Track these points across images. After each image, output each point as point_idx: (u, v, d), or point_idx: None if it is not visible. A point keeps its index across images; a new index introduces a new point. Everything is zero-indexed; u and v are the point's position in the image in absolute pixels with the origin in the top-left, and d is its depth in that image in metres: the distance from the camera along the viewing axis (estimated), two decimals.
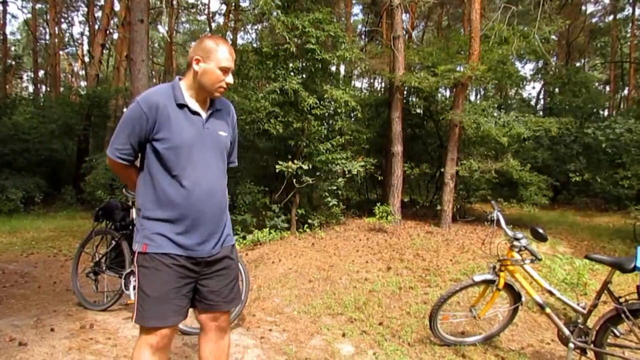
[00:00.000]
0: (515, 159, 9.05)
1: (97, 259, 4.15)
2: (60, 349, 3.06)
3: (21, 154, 12.92)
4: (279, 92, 7.40)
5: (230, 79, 1.98)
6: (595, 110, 16.38)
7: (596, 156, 12.25)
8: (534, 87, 29.66)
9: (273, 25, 7.78)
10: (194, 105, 1.97)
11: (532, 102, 20.68)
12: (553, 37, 16.31)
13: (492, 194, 10.07)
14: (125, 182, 2.15)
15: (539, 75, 22.17)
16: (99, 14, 20.61)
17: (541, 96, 21.41)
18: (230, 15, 19.43)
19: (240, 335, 3.51)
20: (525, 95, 21.74)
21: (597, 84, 23.26)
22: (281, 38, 7.75)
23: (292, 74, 7.63)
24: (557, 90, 17.47)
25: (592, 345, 2.82)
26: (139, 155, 2.00)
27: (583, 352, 2.90)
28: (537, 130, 9.17)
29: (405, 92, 9.95)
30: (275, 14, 7.62)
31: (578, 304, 2.97)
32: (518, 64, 19.32)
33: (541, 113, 17.27)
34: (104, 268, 4.09)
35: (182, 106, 1.93)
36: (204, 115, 2.00)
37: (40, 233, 8.63)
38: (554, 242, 7.34)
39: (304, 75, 8.39)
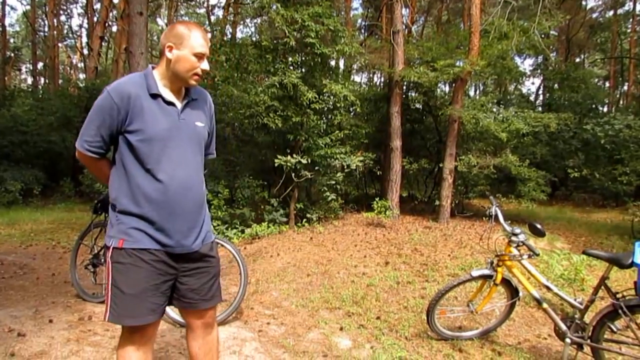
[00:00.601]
0: (514, 155, 9.06)
1: (96, 251, 4.15)
2: (58, 339, 3.07)
3: (20, 146, 12.86)
4: (278, 86, 7.38)
5: (205, 65, 1.89)
6: (594, 106, 16.38)
7: (595, 152, 12.25)
8: (533, 83, 29.54)
9: (272, 19, 7.74)
10: (168, 95, 1.88)
11: (532, 98, 20.68)
12: (553, 32, 16.30)
13: (491, 190, 10.08)
14: (96, 175, 2.01)
15: (539, 71, 22.15)
16: (97, 6, 20.51)
17: (540, 92, 21.41)
18: (230, 9, 19.35)
19: (238, 328, 3.53)
20: (524, 90, 21.75)
21: (596, 79, 23.23)
22: (281, 32, 7.71)
23: (291, 68, 7.61)
24: (556, 85, 17.45)
25: (589, 341, 2.84)
26: (111, 148, 1.91)
27: (580, 347, 2.92)
28: (536, 125, 9.17)
29: (404, 87, 9.93)
30: (274, 7, 7.59)
31: (575, 300, 2.98)
32: (517, 60, 19.24)
33: (540, 109, 17.26)
34: (103, 260, 4.09)
35: (155, 96, 1.84)
36: (179, 105, 1.91)
37: (39, 225, 8.62)
38: (551, 238, 7.35)
39: (303, 70, 8.36)
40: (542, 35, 9.11)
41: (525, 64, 24.59)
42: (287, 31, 7.30)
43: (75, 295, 4.18)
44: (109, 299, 1.81)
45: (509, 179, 9.89)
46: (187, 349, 2.11)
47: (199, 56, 1.86)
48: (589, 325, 2.86)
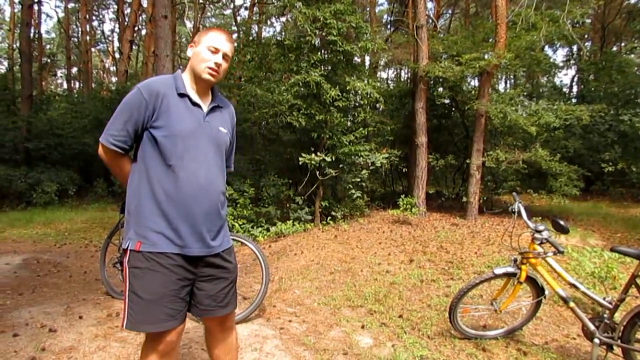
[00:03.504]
0: (545, 149, 8.79)
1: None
2: (87, 335, 3.18)
3: (55, 148, 13.39)
4: (301, 84, 7.40)
5: (218, 58, 1.90)
6: (633, 96, 15.69)
7: (633, 144, 11.77)
8: (566, 74, 28.59)
9: (295, 18, 7.77)
10: (195, 97, 1.92)
11: (565, 90, 19.99)
12: (587, 20, 15.70)
13: (521, 185, 9.83)
14: (116, 173, 1.98)
15: (573, 61, 21.40)
16: (128, 10, 21.03)
17: (575, 83, 20.68)
18: (255, 9, 19.51)
19: (260, 325, 3.56)
20: (557, 82, 21.04)
21: (635, 69, 22.25)
22: (305, 30, 7.74)
23: (314, 66, 7.62)
24: (591, 76, 16.81)
25: (619, 341, 2.73)
26: (133, 146, 1.90)
27: (609, 348, 2.81)
28: (567, 118, 8.86)
29: (430, 83, 9.79)
30: (297, 6, 7.61)
31: (604, 298, 2.87)
32: (549, 50, 18.64)
33: (574, 101, 16.67)
34: None
35: (182, 96, 1.87)
36: (204, 108, 1.94)
37: (73, 224, 8.94)
38: (585, 234, 7.12)
39: (326, 68, 8.36)
40: (575, 24, 8.79)
41: (558, 55, 23.79)
42: (309, 29, 7.31)
43: (104, 293, 4.32)
44: (127, 305, 1.77)
45: (540, 174, 9.60)
46: (207, 351, 2.12)
47: (213, 50, 1.89)
48: (619, 325, 2.75)
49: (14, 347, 2.92)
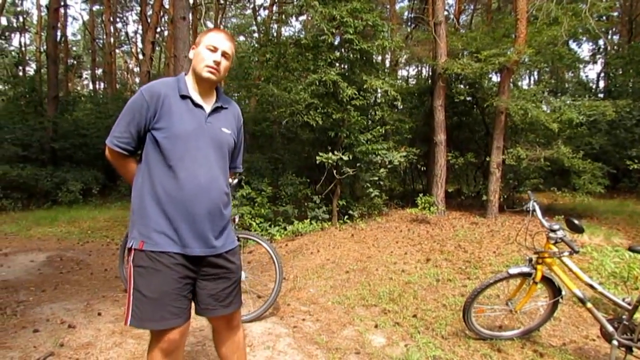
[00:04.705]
0: (567, 146, 8.58)
1: None
2: (104, 332, 3.27)
3: (80, 148, 13.73)
4: (318, 83, 7.40)
5: (216, 56, 1.92)
6: None
7: None
8: (591, 69, 27.81)
9: (312, 17, 7.78)
10: (198, 98, 1.95)
11: (592, 85, 19.46)
12: (614, 13, 15.24)
13: (544, 183, 9.63)
14: (123, 174, 2.05)
15: (599, 56, 20.81)
16: (150, 12, 21.37)
17: (601, 78, 20.11)
18: (274, 8, 19.58)
19: (273, 324, 3.59)
20: (583, 77, 20.50)
21: None
22: (321, 29, 7.74)
23: (331, 65, 7.61)
24: (619, 71, 16.32)
25: (638, 343, 2.67)
26: (139, 148, 1.95)
27: (629, 349, 2.75)
28: (591, 114, 8.63)
29: (449, 80, 9.67)
30: (314, 5, 7.61)
31: (623, 299, 2.80)
32: (574, 45, 18.15)
33: (601, 96, 16.22)
34: None
35: (184, 97, 1.90)
36: (207, 109, 1.96)
37: (96, 223, 9.15)
38: (609, 233, 6.94)
39: (344, 66, 8.34)
40: (601, 18, 8.55)
41: (584, 49, 23.15)
42: (326, 28, 7.31)
43: (123, 290, 4.42)
44: (131, 302, 1.81)
45: (563, 172, 9.37)
46: (215, 349, 2.16)
47: (212, 49, 1.92)
48: (638, 327, 2.69)
49: (33, 342, 3.02)
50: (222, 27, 26.23)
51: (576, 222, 2.86)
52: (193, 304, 1.98)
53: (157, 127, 1.85)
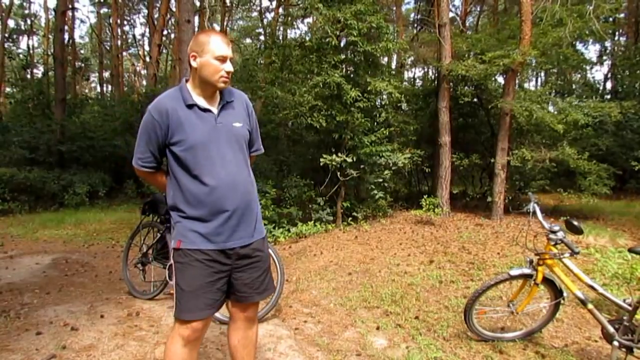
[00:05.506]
0: (573, 147, 8.55)
1: (144, 250, 4.38)
2: (107, 334, 3.29)
3: (87, 151, 13.79)
4: (321, 86, 7.42)
5: (228, 66, 1.97)
6: None
7: None
8: (598, 70, 27.65)
9: (317, 19, 7.81)
10: (203, 103, 1.99)
11: (599, 86, 19.34)
12: (620, 15, 15.15)
13: (551, 184, 9.59)
14: (155, 185, 2.24)
15: (606, 57, 20.69)
16: (157, 15, 21.53)
17: (608, 79, 19.98)
18: (280, 10, 19.66)
19: (275, 326, 3.60)
20: (590, 78, 20.39)
21: None
22: (325, 32, 7.76)
23: (335, 67, 7.63)
24: (626, 72, 16.22)
25: (639, 344, 2.66)
26: (164, 160, 2.07)
27: (629, 350, 2.74)
28: (596, 116, 8.58)
29: (454, 81, 9.65)
30: (318, 7, 7.63)
31: (624, 300, 2.79)
32: (580, 46, 18.05)
33: (608, 97, 16.12)
34: (151, 259, 4.31)
35: (191, 106, 1.95)
36: (215, 110, 2.01)
37: (102, 225, 9.21)
38: (614, 234, 6.91)
39: (349, 68, 8.35)
40: (606, 19, 8.51)
41: (590, 51, 23.01)
42: (330, 30, 7.33)
43: (127, 292, 4.45)
44: (175, 296, 1.97)
45: (569, 173, 9.34)
46: (227, 340, 2.23)
47: (221, 59, 1.95)
48: (638, 328, 2.68)
49: (35, 344, 3.04)
50: (228, 29, 26.36)
51: (575, 223, 2.86)
52: (231, 295, 2.11)
53: (173, 142, 1.94)
